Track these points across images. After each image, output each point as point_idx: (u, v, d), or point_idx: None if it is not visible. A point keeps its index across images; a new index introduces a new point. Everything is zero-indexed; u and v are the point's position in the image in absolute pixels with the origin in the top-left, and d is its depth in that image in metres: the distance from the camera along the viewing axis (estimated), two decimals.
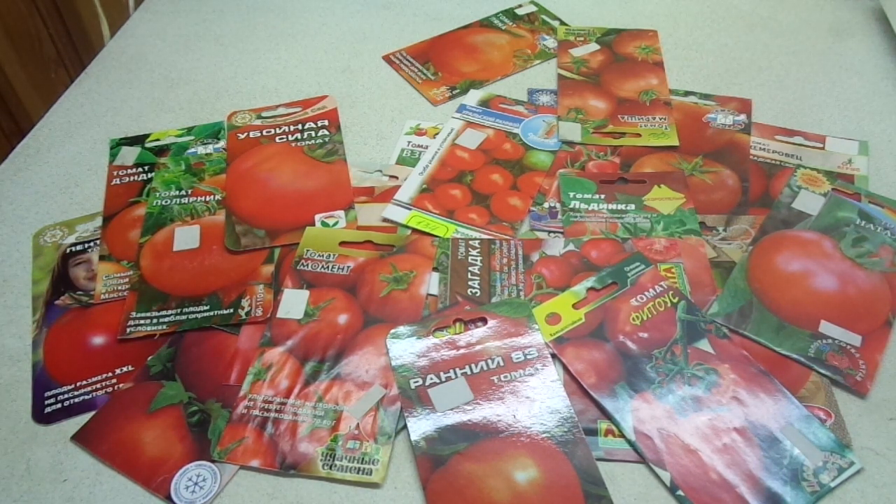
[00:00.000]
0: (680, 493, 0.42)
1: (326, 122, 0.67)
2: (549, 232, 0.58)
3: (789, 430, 0.45)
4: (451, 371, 0.47)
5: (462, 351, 0.48)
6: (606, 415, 0.46)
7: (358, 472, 0.43)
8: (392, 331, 0.50)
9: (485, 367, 0.48)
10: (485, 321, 0.50)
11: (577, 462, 0.43)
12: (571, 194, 0.59)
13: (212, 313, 0.52)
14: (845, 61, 0.75)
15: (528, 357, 0.48)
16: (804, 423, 0.45)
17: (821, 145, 0.64)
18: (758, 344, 0.50)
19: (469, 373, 0.47)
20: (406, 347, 0.49)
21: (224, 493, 0.43)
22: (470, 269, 0.54)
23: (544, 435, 0.44)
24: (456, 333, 0.50)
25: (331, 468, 0.44)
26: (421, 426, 0.45)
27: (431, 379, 0.47)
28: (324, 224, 0.58)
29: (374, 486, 0.44)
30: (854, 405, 0.47)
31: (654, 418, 0.45)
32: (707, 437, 0.44)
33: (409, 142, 0.66)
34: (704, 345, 0.49)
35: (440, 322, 0.50)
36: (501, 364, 0.48)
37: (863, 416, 0.47)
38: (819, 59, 0.75)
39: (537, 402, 0.46)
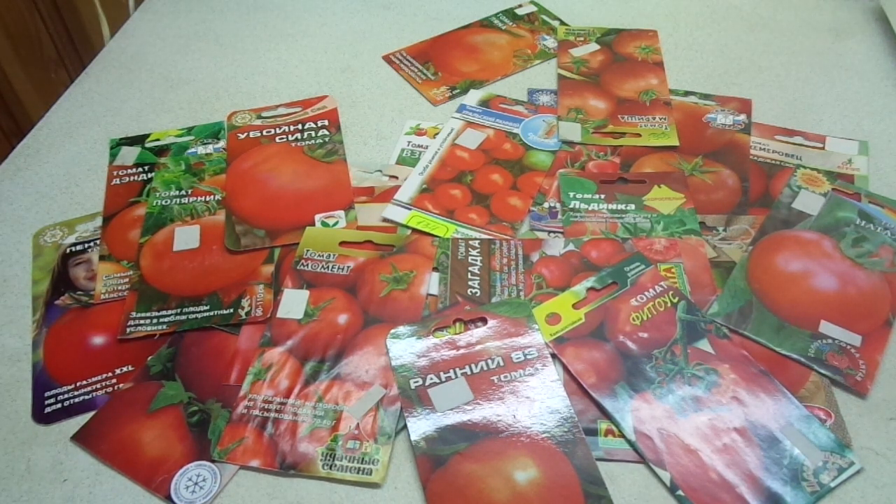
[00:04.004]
0: (680, 493, 0.42)
1: (326, 122, 0.67)
2: (549, 232, 0.58)
3: (789, 430, 0.45)
4: (451, 371, 0.47)
5: (462, 351, 0.48)
6: (606, 415, 0.46)
7: (358, 472, 0.43)
8: (392, 331, 0.50)
9: (485, 367, 0.48)
10: (485, 321, 0.50)
11: (577, 462, 0.43)
12: (571, 194, 0.59)
13: (212, 313, 0.52)
14: (845, 61, 0.75)
15: (528, 357, 0.48)
16: (804, 423, 0.45)
17: (821, 145, 0.64)
18: (758, 344, 0.50)
19: (469, 373, 0.47)
20: (406, 347, 0.49)
21: (224, 493, 0.43)
22: (470, 269, 0.54)
23: (544, 435, 0.44)
24: (456, 333, 0.50)
25: (331, 468, 0.44)
26: (421, 426, 0.45)
27: (431, 379, 0.47)
28: (324, 224, 0.58)
29: (374, 486, 0.44)
30: (854, 405, 0.47)
31: (654, 418, 0.45)
32: (707, 437, 0.44)
33: (409, 142, 0.66)
34: (704, 345, 0.49)
35: (440, 322, 0.50)
36: (501, 364, 0.48)
37: (863, 416, 0.47)
38: (819, 59, 0.75)
39: (537, 402, 0.46)
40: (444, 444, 0.44)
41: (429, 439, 0.44)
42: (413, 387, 0.47)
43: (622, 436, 0.45)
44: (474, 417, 0.45)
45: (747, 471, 0.43)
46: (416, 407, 0.46)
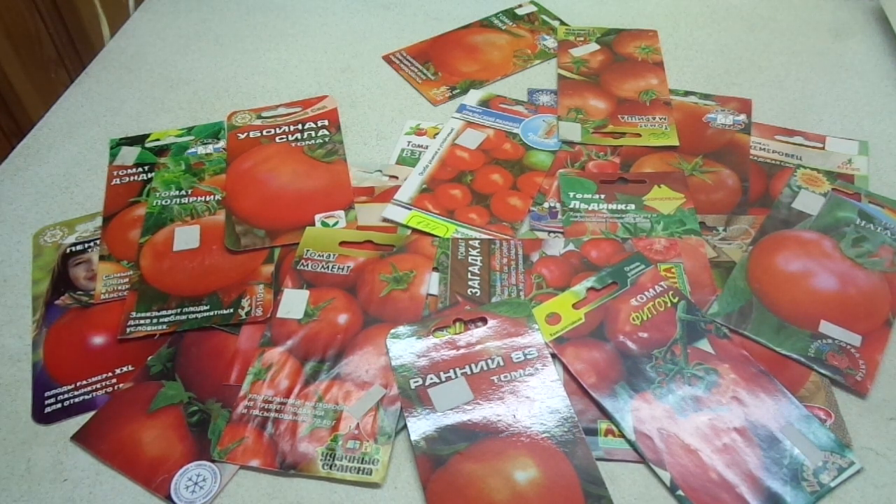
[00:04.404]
0: (680, 493, 0.42)
1: (326, 122, 0.67)
2: (549, 232, 0.58)
3: (789, 429, 0.45)
4: (451, 371, 0.47)
5: (462, 351, 0.48)
6: (606, 415, 0.46)
7: (358, 472, 0.43)
8: (392, 331, 0.50)
9: (485, 367, 0.48)
10: (485, 321, 0.50)
11: (577, 462, 0.43)
12: (571, 194, 0.59)
13: (212, 313, 0.52)
14: (845, 61, 0.75)
15: (528, 357, 0.48)
16: (804, 422, 0.45)
17: (821, 145, 0.64)
18: (758, 344, 0.50)
19: (469, 373, 0.47)
20: (406, 347, 0.49)
21: (224, 493, 0.43)
22: (470, 269, 0.54)
23: (544, 435, 0.44)
24: (456, 333, 0.50)
25: (331, 468, 0.44)
26: (421, 426, 0.45)
27: (431, 379, 0.47)
28: (324, 224, 0.58)
29: (374, 486, 0.44)
30: (854, 405, 0.47)
31: (654, 418, 0.45)
32: (707, 437, 0.44)
33: (409, 142, 0.66)
34: (704, 345, 0.49)
35: (440, 322, 0.50)
36: (501, 364, 0.48)
37: (863, 416, 0.47)
38: (819, 59, 0.75)
39: (537, 401, 0.46)
40: (445, 444, 0.44)
41: (429, 439, 0.44)
42: (413, 387, 0.47)
43: (622, 436, 0.45)
44: (474, 417, 0.45)
45: (747, 471, 0.43)
46: (416, 407, 0.46)
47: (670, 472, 0.43)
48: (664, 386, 0.47)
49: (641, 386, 0.47)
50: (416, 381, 0.47)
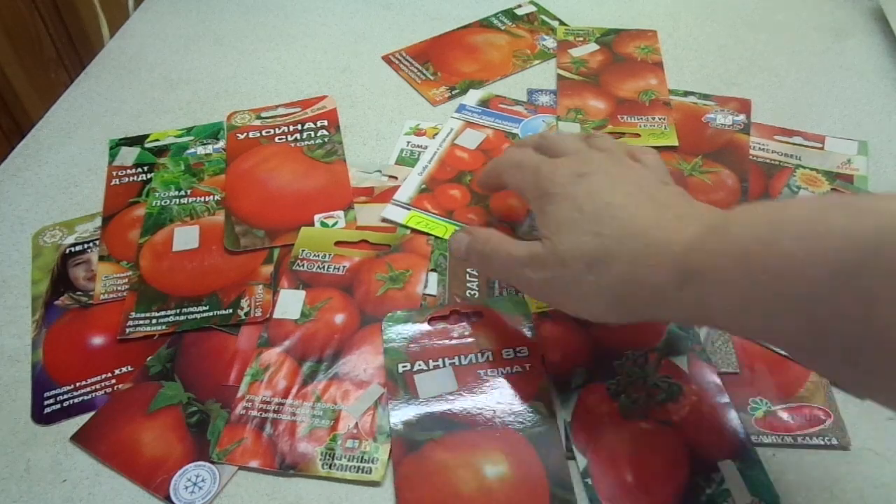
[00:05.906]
0: (588, 481, 0.42)
1: (326, 123, 0.67)
2: None
3: (727, 465, 0.43)
4: (440, 360, 0.48)
5: (454, 341, 0.49)
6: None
7: (357, 471, 0.43)
8: (389, 314, 0.50)
9: (473, 360, 0.48)
10: (480, 315, 0.50)
11: (548, 463, 0.43)
12: None
13: (211, 314, 0.52)
14: (845, 61, 0.74)
15: (519, 355, 0.48)
16: (747, 465, 0.43)
17: (820, 145, 0.64)
18: (757, 344, 0.50)
19: (457, 363, 0.47)
20: (400, 331, 0.49)
21: (223, 494, 0.43)
22: (469, 269, 0.54)
23: (521, 433, 0.44)
24: (451, 324, 0.50)
25: (330, 467, 0.44)
26: (401, 410, 0.45)
27: (419, 365, 0.47)
28: (323, 224, 0.58)
29: (374, 484, 0.44)
30: (854, 405, 0.47)
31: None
32: (640, 443, 0.44)
33: (409, 142, 0.66)
34: (682, 361, 0.48)
35: (437, 312, 0.50)
36: (490, 359, 0.48)
37: (862, 416, 0.46)
38: (819, 59, 0.75)
39: (520, 399, 0.46)
40: (421, 429, 0.44)
41: (407, 423, 0.45)
42: (401, 371, 0.47)
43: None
44: (454, 408, 0.45)
45: (667, 487, 0.42)
46: (399, 391, 0.46)
47: (588, 459, 0.43)
48: (620, 385, 0.47)
49: (599, 377, 0.47)
50: (405, 366, 0.47)
